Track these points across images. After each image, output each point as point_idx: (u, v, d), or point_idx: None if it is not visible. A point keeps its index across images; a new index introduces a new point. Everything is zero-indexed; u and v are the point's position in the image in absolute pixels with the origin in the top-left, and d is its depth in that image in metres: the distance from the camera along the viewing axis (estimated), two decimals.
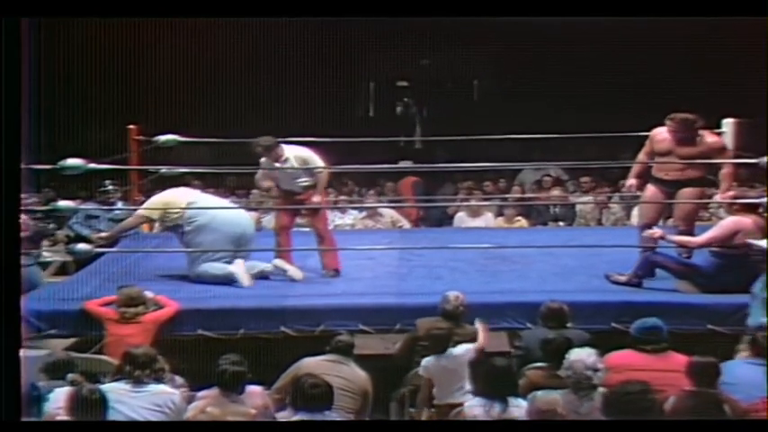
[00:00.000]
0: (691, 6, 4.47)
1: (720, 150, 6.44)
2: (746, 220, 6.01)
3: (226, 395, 4.49)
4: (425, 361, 5.15)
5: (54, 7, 3.94)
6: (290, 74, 8.92)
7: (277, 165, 6.74)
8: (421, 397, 5.18)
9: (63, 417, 4.22)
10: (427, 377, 5.14)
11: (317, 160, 6.76)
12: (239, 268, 6.50)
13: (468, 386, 4.79)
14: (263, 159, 6.81)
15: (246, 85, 9.46)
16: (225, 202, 7.11)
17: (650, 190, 6.57)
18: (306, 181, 6.79)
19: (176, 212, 6.57)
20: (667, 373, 4.51)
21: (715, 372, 4.39)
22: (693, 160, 6.36)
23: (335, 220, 9.33)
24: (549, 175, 10.12)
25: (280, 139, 6.74)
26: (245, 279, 6.47)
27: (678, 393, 4.10)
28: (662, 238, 6.20)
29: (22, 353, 3.65)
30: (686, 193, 6.40)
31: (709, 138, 6.44)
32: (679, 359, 4.65)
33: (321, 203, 6.92)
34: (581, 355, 4.43)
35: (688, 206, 6.46)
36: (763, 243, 5.90)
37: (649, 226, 6.43)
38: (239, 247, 6.61)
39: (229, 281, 6.46)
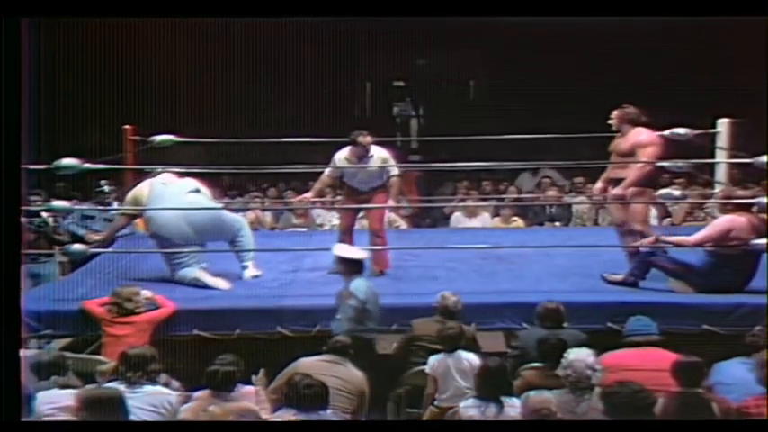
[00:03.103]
0: (691, 6, 4.48)
1: (642, 147, 6.24)
2: (741, 219, 6.02)
3: (216, 395, 4.50)
4: (433, 359, 5.14)
5: (54, 7, 3.94)
6: (287, 74, 8.92)
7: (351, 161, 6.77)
8: (426, 395, 5.17)
9: (54, 417, 4.21)
10: (433, 375, 5.12)
11: (393, 163, 6.82)
12: (205, 275, 6.46)
13: (469, 389, 4.80)
14: (338, 155, 6.82)
15: (244, 86, 9.47)
16: (189, 186, 6.78)
17: (610, 191, 6.54)
18: (379, 182, 6.82)
19: (142, 207, 6.58)
20: (661, 372, 4.53)
21: (701, 371, 4.41)
22: (626, 157, 6.29)
23: (332, 220, 9.34)
24: (547, 177, 10.14)
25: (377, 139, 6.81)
26: (220, 284, 6.45)
27: (667, 394, 4.11)
28: (657, 240, 6.20)
29: (21, 353, 3.66)
30: (612, 193, 6.33)
31: (639, 134, 6.29)
32: (673, 358, 4.67)
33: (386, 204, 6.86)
34: (580, 355, 4.45)
35: (634, 207, 6.36)
36: (762, 243, 5.93)
37: (622, 227, 6.43)
38: (208, 234, 6.57)
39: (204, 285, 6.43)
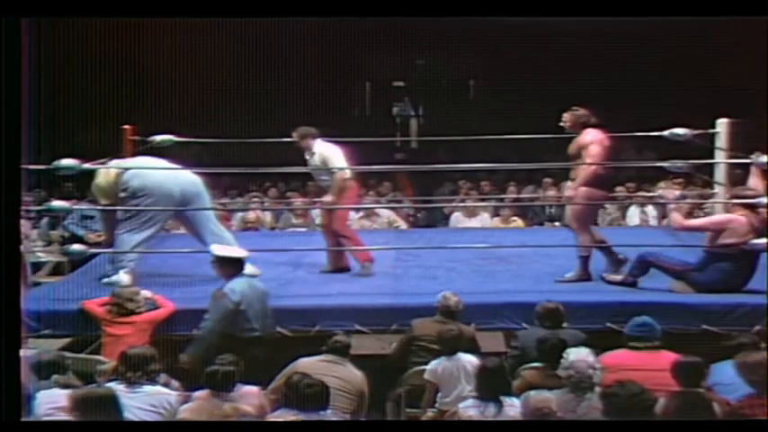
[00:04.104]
0: (691, 6, 4.48)
1: (585, 147, 6.26)
2: (740, 218, 6.04)
3: (216, 395, 4.50)
4: (433, 364, 5.09)
5: (54, 7, 3.94)
6: (286, 74, 8.93)
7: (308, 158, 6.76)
8: (425, 400, 5.14)
9: (54, 417, 4.21)
10: (433, 381, 5.08)
11: (335, 161, 6.71)
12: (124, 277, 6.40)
13: (470, 392, 4.79)
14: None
15: (243, 86, 9.47)
16: (162, 163, 6.72)
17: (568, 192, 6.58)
18: (326, 180, 6.79)
19: (113, 182, 6.52)
20: (661, 372, 4.53)
21: (700, 371, 4.41)
22: (575, 158, 6.31)
23: None
24: (549, 177, 10.15)
25: (316, 133, 6.75)
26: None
27: (666, 394, 4.12)
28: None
29: (21, 353, 3.65)
30: (566, 193, 6.37)
31: (586, 135, 6.30)
32: (672, 358, 4.67)
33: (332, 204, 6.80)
34: (581, 355, 4.45)
35: (573, 206, 6.39)
36: (761, 243, 5.94)
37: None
38: (181, 207, 6.53)
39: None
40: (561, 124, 6.40)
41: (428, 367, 5.10)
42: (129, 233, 6.44)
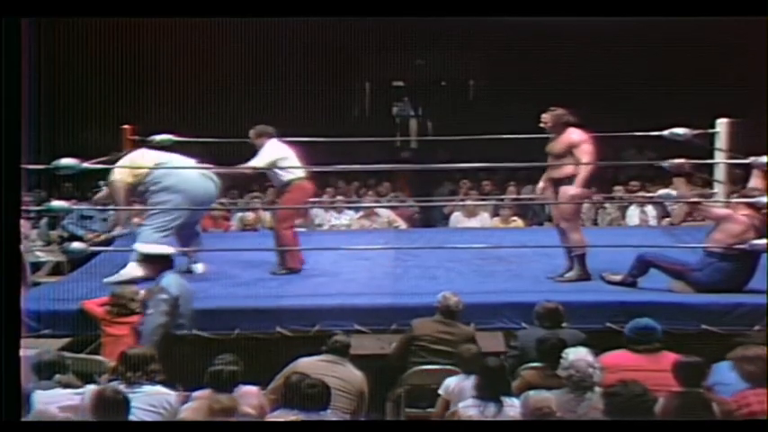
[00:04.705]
0: (691, 6, 4.48)
1: (576, 145, 6.27)
2: (740, 217, 6.04)
3: (217, 395, 4.49)
4: (448, 381, 4.94)
5: (54, 7, 3.94)
6: (286, 74, 8.93)
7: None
8: (435, 414, 5.01)
9: (54, 417, 4.21)
10: (445, 398, 4.93)
11: (282, 162, 6.72)
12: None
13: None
14: None
15: (243, 85, 9.48)
16: (193, 162, 6.83)
17: (548, 191, 6.58)
18: (276, 182, 6.86)
19: (143, 172, 6.56)
20: (661, 372, 4.53)
21: (701, 371, 4.41)
22: (562, 157, 6.31)
23: (332, 220, 9.36)
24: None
25: (271, 132, 6.78)
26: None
27: (666, 394, 4.12)
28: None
29: (21, 353, 3.65)
30: (562, 192, 6.35)
31: (572, 134, 6.32)
32: (672, 359, 4.67)
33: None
34: (580, 354, 4.45)
35: (565, 205, 6.40)
36: (761, 243, 5.94)
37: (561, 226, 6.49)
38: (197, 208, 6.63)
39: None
40: (542, 125, 6.41)
41: (444, 383, 4.96)
42: (154, 229, 6.48)
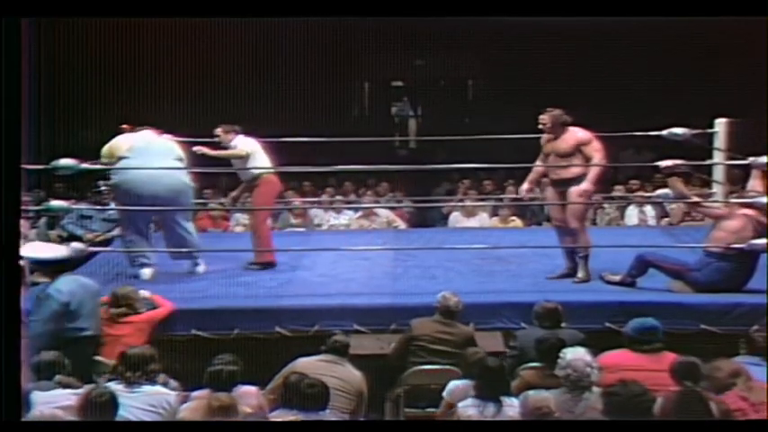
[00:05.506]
0: (691, 6, 4.48)
1: (584, 144, 6.29)
2: (739, 214, 6.05)
3: (217, 395, 4.50)
4: (452, 384, 4.87)
5: (54, 7, 3.94)
6: (286, 73, 8.93)
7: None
8: (438, 416, 4.95)
9: (54, 417, 4.21)
10: (449, 401, 4.84)
11: (251, 158, 6.78)
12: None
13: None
14: None
15: (243, 85, 9.48)
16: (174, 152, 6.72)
17: (549, 191, 6.59)
18: (245, 178, 6.90)
19: (115, 159, 6.55)
20: (662, 373, 4.53)
21: (698, 371, 4.41)
22: (569, 157, 6.32)
23: (331, 220, 9.35)
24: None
25: (238, 129, 6.84)
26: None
27: (664, 393, 4.12)
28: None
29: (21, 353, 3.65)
30: (574, 191, 6.35)
31: (578, 133, 6.34)
32: (673, 359, 4.67)
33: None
34: (578, 354, 4.45)
35: (576, 205, 6.39)
36: (761, 243, 5.94)
37: (561, 227, 6.50)
38: (172, 204, 6.54)
39: None
40: (540, 126, 6.41)
41: (448, 386, 4.89)
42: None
